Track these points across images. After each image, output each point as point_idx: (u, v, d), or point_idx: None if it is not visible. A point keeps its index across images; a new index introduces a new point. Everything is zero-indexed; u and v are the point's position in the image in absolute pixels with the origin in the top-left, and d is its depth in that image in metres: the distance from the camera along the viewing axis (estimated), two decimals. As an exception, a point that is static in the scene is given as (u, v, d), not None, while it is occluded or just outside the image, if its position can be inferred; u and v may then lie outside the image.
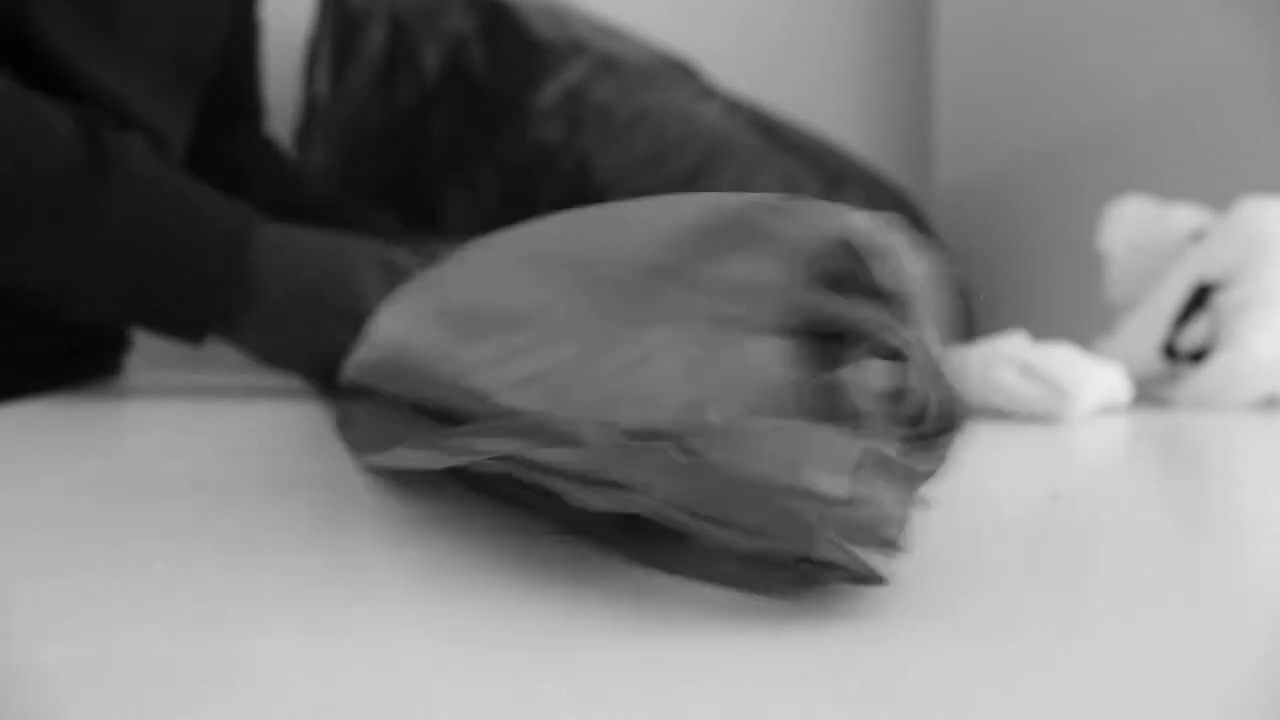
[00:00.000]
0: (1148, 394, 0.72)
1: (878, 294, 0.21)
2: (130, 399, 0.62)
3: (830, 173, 1.10)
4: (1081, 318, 0.94)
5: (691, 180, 1.03)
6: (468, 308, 0.30)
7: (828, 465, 0.19)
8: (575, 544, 0.27)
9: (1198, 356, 0.72)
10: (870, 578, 0.21)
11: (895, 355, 0.21)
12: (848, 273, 0.21)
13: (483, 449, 0.24)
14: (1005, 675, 0.19)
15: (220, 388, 0.67)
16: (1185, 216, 0.80)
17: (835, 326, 0.21)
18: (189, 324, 0.63)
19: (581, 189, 1.02)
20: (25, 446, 0.46)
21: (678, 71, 1.11)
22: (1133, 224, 0.82)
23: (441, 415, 0.38)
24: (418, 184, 1.04)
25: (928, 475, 0.21)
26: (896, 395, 0.21)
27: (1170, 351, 0.74)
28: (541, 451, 0.23)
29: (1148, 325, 0.75)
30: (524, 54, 1.04)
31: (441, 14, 1.06)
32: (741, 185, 1.04)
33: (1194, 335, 0.73)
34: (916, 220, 1.14)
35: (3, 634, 0.20)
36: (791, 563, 0.22)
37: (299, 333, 0.63)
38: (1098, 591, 0.25)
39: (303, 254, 0.64)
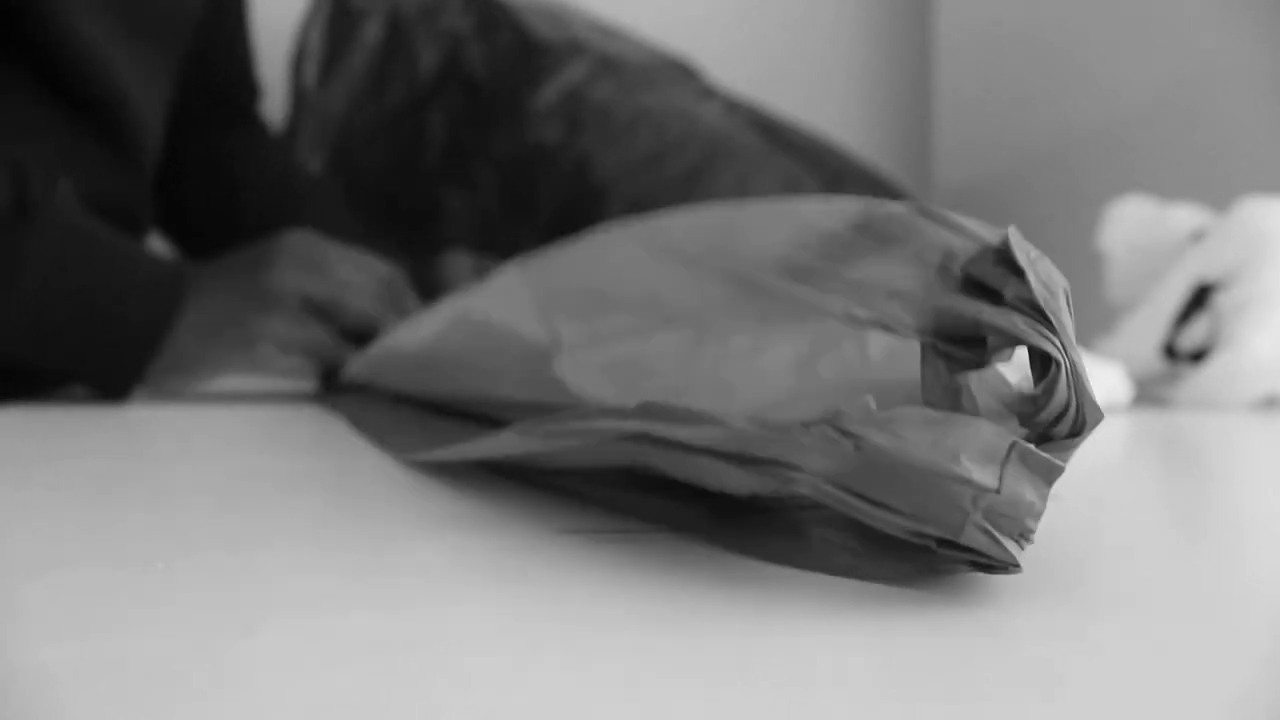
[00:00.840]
0: (1148, 394, 0.72)
1: (1021, 302, 0.22)
2: (130, 400, 0.62)
3: (830, 173, 1.09)
4: (1081, 318, 0.94)
5: (691, 180, 1.03)
6: (573, 290, 0.31)
7: (981, 455, 0.21)
8: (608, 539, 0.27)
9: (1198, 356, 0.72)
10: (1006, 565, 0.22)
11: (1043, 361, 0.22)
12: (988, 280, 0.23)
13: (607, 429, 0.25)
14: (1005, 675, 0.19)
15: (220, 389, 0.67)
16: (1185, 216, 0.80)
17: (975, 331, 0.22)
18: (111, 373, 0.61)
19: (581, 189, 1.02)
20: (26, 446, 0.46)
21: (678, 71, 1.11)
22: (1133, 224, 0.82)
23: (460, 410, 0.40)
24: (415, 184, 1.04)
25: (1060, 472, 0.22)
26: (1035, 398, 0.23)
27: (1170, 351, 0.74)
28: (685, 430, 0.23)
29: (1148, 325, 0.75)
30: (523, 54, 1.04)
31: (440, 13, 1.06)
32: (741, 185, 1.04)
33: (1194, 335, 0.73)
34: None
35: (2, 634, 0.20)
36: (914, 552, 0.23)
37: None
38: (1098, 591, 0.25)
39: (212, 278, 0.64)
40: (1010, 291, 0.23)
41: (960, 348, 0.23)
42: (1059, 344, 0.22)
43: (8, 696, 0.17)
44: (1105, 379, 0.63)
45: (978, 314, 0.22)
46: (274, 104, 1.09)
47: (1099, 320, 0.86)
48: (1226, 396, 0.69)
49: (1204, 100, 1.00)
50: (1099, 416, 0.23)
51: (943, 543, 0.22)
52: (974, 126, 1.31)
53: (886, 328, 0.23)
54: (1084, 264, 0.93)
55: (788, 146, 1.09)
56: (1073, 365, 0.22)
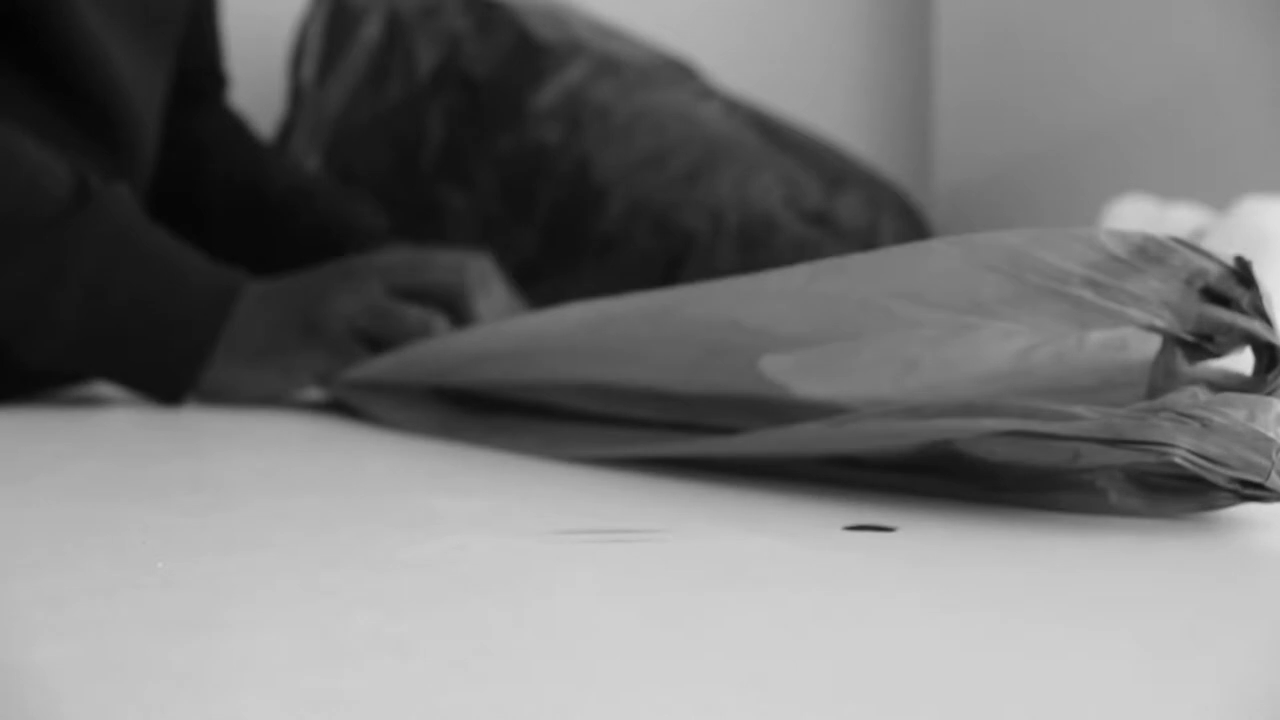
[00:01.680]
0: (1148, 394, 0.72)
1: (1256, 310, 0.30)
2: (130, 400, 0.62)
3: (830, 173, 1.09)
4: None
5: (691, 180, 1.03)
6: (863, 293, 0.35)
7: (1276, 422, 0.29)
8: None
9: (1198, 356, 0.72)
10: (1276, 497, 0.30)
11: (1267, 356, 0.30)
12: (1228, 292, 0.30)
13: (961, 426, 0.31)
14: (1005, 672, 0.19)
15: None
16: (1185, 216, 0.80)
17: (1222, 332, 0.30)
18: (163, 377, 0.59)
19: (581, 189, 1.02)
20: (25, 446, 0.46)
21: (678, 71, 1.11)
22: (1133, 224, 0.82)
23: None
24: (414, 183, 1.04)
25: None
26: (1258, 381, 0.30)
27: (1170, 351, 0.74)
28: (1059, 425, 0.30)
29: (1148, 325, 0.75)
30: (523, 54, 1.04)
31: (439, 13, 1.06)
32: (741, 185, 1.04)
33: (1194, 335, 0.73)
34: (916, 220, 1.14)
35: (2, 633, 0.20)
36: (1189, 495, 0.30)
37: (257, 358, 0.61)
38: (1097, 591, 0.25)
39: (281, 295, 0.62)
40: (1248, 302, 0.29)
41: (1200, 344, 0.30)
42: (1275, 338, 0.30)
43: (7, 696, 0.17)
44: None
45: (1232, 320, 0.29)
46: (273, 103, 1.09)
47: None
48: (1226, 396, 0.69)
49: (1204, 100, 1.00)
50: None
51: (1247, 485, 0.29)
52: (974, 126, 1.31)
53: (1154, 328, 0.30)
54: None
55: (788, 146, 1.09)
56: None
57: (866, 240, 1.07)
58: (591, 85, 1.04)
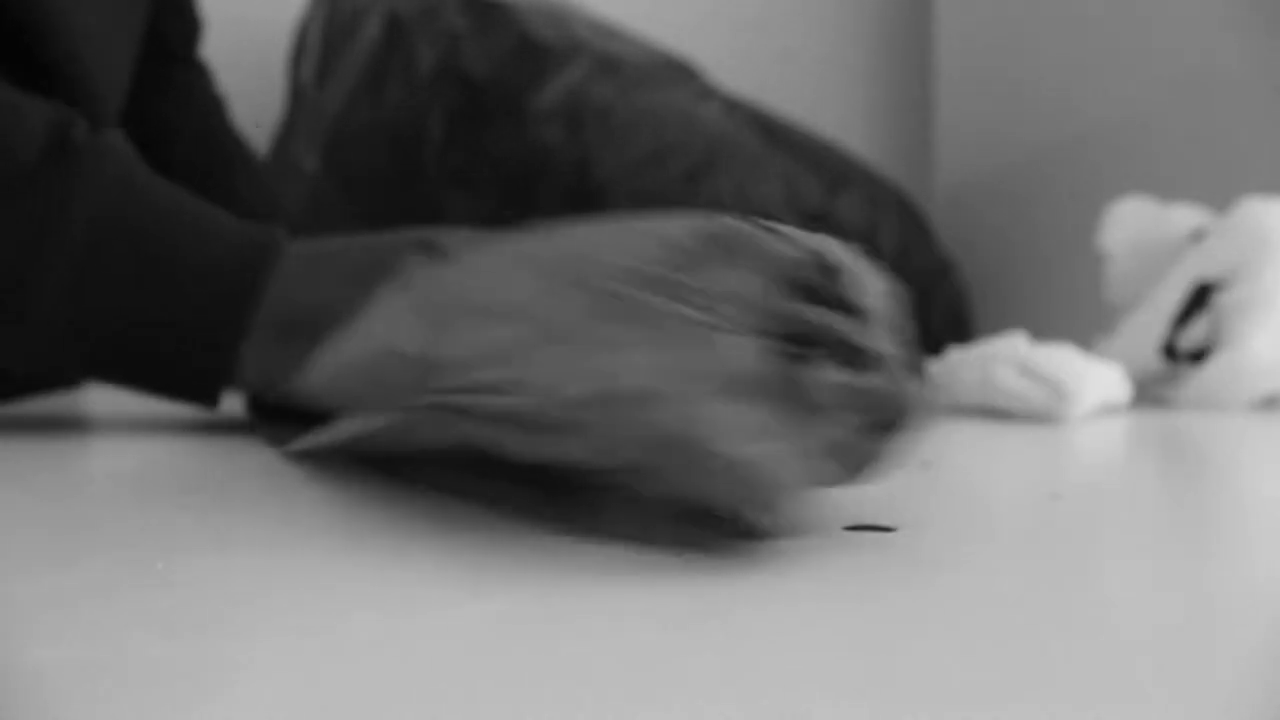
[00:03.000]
0: (1148, 394, 0.72)
1: (844, 306, 0.26)
2: (131, 399, 0.61)
3: (830, 173, 1.10)
4: (1081, 318, 0.94)
5: (691, 180, 1.03)
6: (455, 302, 0.32)
7: (761, 434, 0.24)
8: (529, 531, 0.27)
9: (1198, 356, 0.72)
10: (761, 532, 0.26)
11: (858, 357, 0.25)
12: (819, 287, 0.26)
13: (430, 401, 0.28)
14: (1005, 674, 0.19)
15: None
16: (1185, 216, 0.80)
17: (807, 331, 0.25)
18: (182, 373, 0.47)
19: (581, 189, 1.02)
20: (25, 446, 0.46)
21: (678, 71, 1.11)
22: (1133, 224, 0.82)
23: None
24: (413, 183, 1.04)
25: (879, 455, 0.26)
26: (857, 390, 0.25)
27: (1170, 351, 0.74)
28: (494, 400, 0.26)
29: (1148, 325, 0.75)
30: (523, 54, 1.04)
31: (439, 13, 1.06)
32: (741, 185, 1.04)
33: (1194, 335, 0.73)
34: (916, 221, 1.14)
35: (2, 634, 0.20)
36: (717, 521, 0.26)
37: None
38: (1097, 591, 0.25)
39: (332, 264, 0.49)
40: (829, 295, 0.25)
41: (797, 346, 0.25)
42: (867, 340, 0.25)
43: (7, 696, 0.17)
44: (1105, 379, 0.63)
45: (806, 315, 0.25)
46: (273, 103, 1.09)
47: (1099, 320, 0.86)
48: (1226, 396, 0.69)
49: (1204, 100, 1.00)
50: (921, 404, 0.26)
51: (717, 516, 0.26)
52: (974, 126, 1.32)
53: (728, 330, 0.25)
54: (1084, 264, 0.93)
55: (788, 146, 1.09)
56: (883, 358, 0.25)
57: (867, 240, 1.07)
58: (592, 85, 1.04)
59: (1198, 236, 0.77)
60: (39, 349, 0.46)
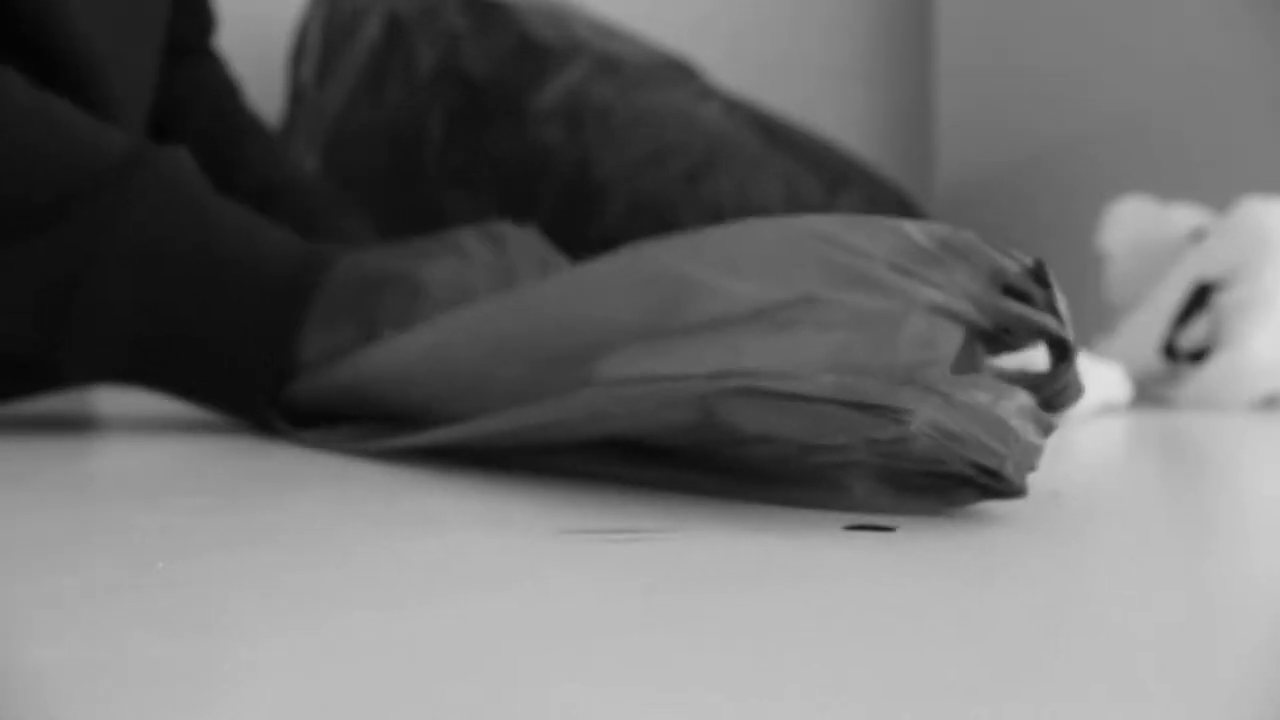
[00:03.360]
0: (1148, 394, 0.72)
1: (1050, 309, 0.31)
2: (130, 398, 0.61)
3: (830, 173, 1.10)
4: (1081, 318, 0.94)
5: (691, 180, 1.03)
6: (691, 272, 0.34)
7: (1018, 413, 0.30)
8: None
9: (1198, 356, 0.72)
10: (1018, 492, 0.31)
11: (1060, 348, 0.32)
12: (1029, 292, 0.31)
13: (700, 386, 0.31)
14: (1004, 673, 0.19)
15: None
16: (1185, 216, 0.80)
17: (1019, 326, 0.31)
18: (235, 386, 0.48)
19: (581, 189, 1.02)
20: (26, 445, 0.46)
21: (678, 71, 1.11)
22: (1133, 224, 0.82)
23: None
24: (414, 184, 1.04)
25: (1054, 429, 0.32)
26: (1046, 375, 0.32)
27: (1170, 351, 0.74)
28: (798, 383, 0.30)
29: (1148, 325, 0.75)
30: (523, 54, 1.04)
31: (439, 13, 1.06)
32: (741, 185, 1.04)
33: (1194, 335, 0.73)
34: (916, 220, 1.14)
35: (2, 634, 0.20)
36: (932, 494, 0.32)
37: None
38: (1097, 590, 0.25)
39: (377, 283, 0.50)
40: (1042, 299, 0.31)
41: (999, 336, 0.31)
42: (1070, 336, 0.32)
43: (6, 697, 0.17)
44: (1105, 379, 0.63)
45: (1024, 312, 0.31)
46: (272, 103, 1.09)
47: (1099, 320, 0.86)
48: (1226, 396, 0.69)
49: (1204, 101, 1.00)
50: (1083, 393, 0.33)
51: (983, 472, 0.31)
52: (974, 126, 1.32)
53: (954, 316, 0.30)
54: (1084, 264, 0.93)
55: (788, 146, 1.09)
56: (1076, 354, 0.32)
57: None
58: (591, 85, 1.04)
59: (1198, 236, 0.77)
60: (93, 355, 0.47)
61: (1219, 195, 0.82)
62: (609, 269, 0.36)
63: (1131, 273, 0.81)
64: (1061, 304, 0.31)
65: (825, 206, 1.07)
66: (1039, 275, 0.31)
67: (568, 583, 0.24)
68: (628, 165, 1.03)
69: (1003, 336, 0.31)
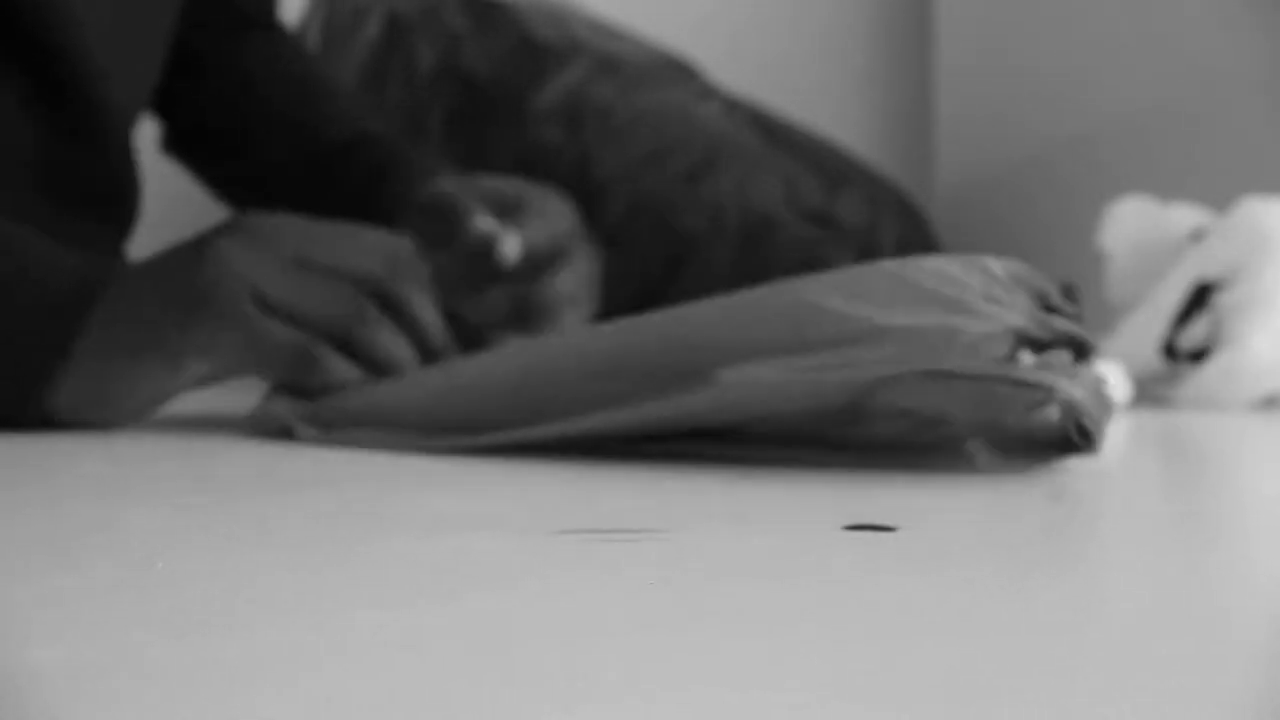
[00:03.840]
0: (1148, 394, 0.72)
1: (1076, 317, 0.39)
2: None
3: (830, 173, 1.10)
4: (1081, 317, 0.94)
5: (691, 180, 1.03)
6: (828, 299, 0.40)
7: (1089, 388, 0.38)
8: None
9: (1198, 356, 0.72)
10: (1095, 448, 0.38)
11: (1084, 349, 0.39)
12: (1061, 305, 0.39)
13: (884, 365, 0.38)
14: (1003, 673, 0.19)
15: (220, 387, 0.67)
16: (1185, 216, 0.80)
17: (1057, 335, 0.38)
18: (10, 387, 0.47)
19: (581, 189, 1.02)
20: (25, 445, 0.46)
21: (678, 71, 1.11)
22: (1133, 224, 0.82)
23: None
24: (416, 184, 1.04)
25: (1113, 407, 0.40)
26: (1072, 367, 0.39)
27: (1170, 351, 0.74)
28: (961, 362, 0.37)
29: (1148, 325, 0.75)
30: (523, 54, 1.04)
31: (439, 13, 1.06)
32: (741, 185, 1.04)
33: (1194, 335, 0.73)
34: (916, 220, 1.14)
35: (2, 633, 0.20)
36: (1022, 456, 0.40)
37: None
38: (1097, 590, 0.25)
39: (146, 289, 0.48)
40: (1073, 313, 0.39)
41: (1040, 344, 0.38)
42: (1089, 338, 0.39)
43: (6, 696, 0.17)
44: (1105, 379, 0.63)
45: (1066, 327, 0.39)
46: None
47: (1099, 320, 0.86)
48: (1226, 396, 0.69)
49: (1204, 100, 1.00)
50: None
51: (1082, 433, 0.38)
52: (974, 126, 1.32)
53: (1026, 333, 0.38)
54: (1084, 264, 0.93)
55: (788, 146, 1.09)
56: (1095, 351, 0.40)
57: (866, 240, 1.07)
58: (592, 85, 1.04)
59: (1198, 236, 0.77)
60: None
61: (1219, 195, 0.82)
62: (738, 300, 0.41)
63: (1131, 272, 0.81)
64: (1083, 315, 0.40)
65: (825, 206, 1.07)
66: (1069, 294, 0.40)
67: (568, 583, 0.24)
68: (628, 165, 1.03)
69: (1049, 345, 0.39)
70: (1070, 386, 0.37)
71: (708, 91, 1.11)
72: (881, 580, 0.25)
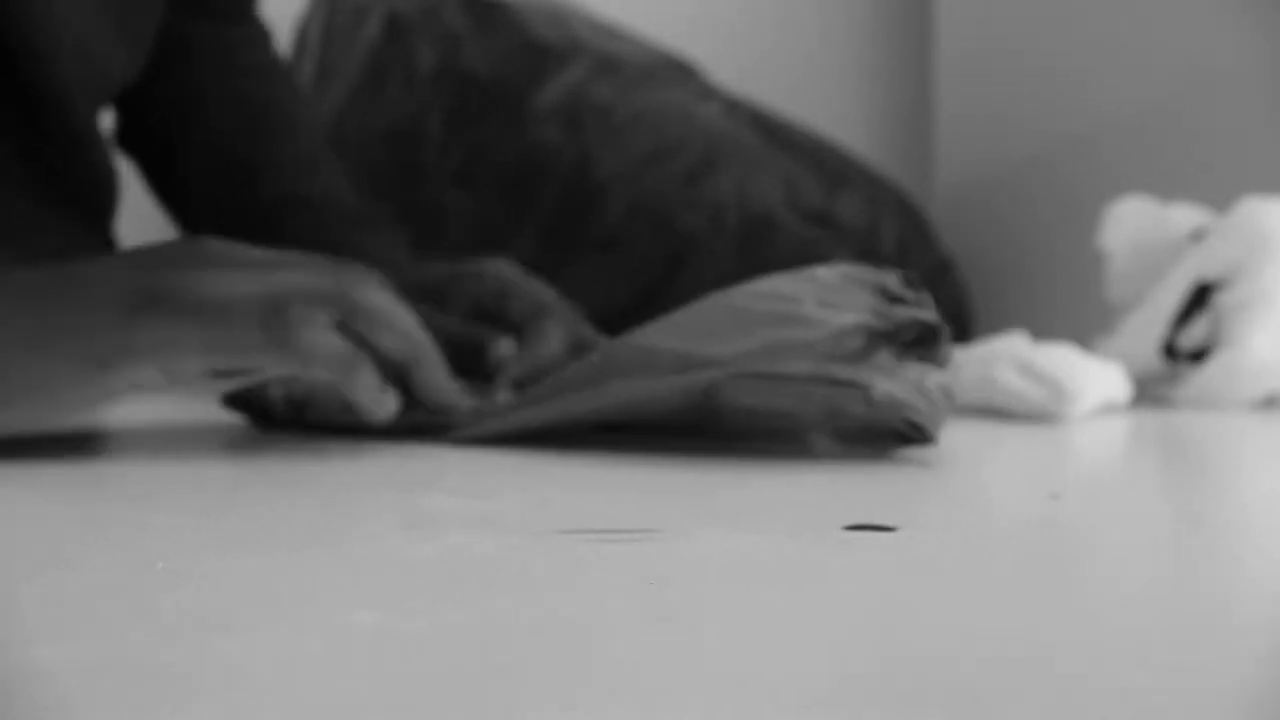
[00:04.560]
0: (1148, 394, 0.72)
1: (922, 305, 0.42)
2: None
3: (830, 173, 1.10)
4: (1081, 318, 0.94)
5: (692, 180, 1.03)
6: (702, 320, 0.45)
7: (936, 386, 0.42)
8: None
9: (1198, 356, 0.72)
10: (931, 439, 0.42)
11: (933, 334, 0.42)
12: (905, 295, 0.42)
13: (730, 369, 0.42)
14: (1003, 673, 0.19)
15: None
16: (1185, 216, 0.80)
17: (900, 324, 0.41)
18: None
19: (581, 189, 1.02)
20: (25, 445, 0.46)
21: (678, 71, 1.11)
22: (1133, 224, 0.82)
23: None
24: (413, 184, 1.04)
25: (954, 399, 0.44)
26: (928, 354, 0.42)
27: (1170, 351, 0.74)
28: (794, 366, 0.41)
29: (1148, 325, 0.75)
30: (523, 54, 1.04)
31: (439, 13, 1.06)
32: (741, 185, 1.04)
33: (1194, 335, 0.73)
34: (916, 220, 1.14)
35: (3, 633, 0.20)
36: (884, 440, 0.42)
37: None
38: (1097, 591, 0.25)
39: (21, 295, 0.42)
40: (918, 300, 0.42)
41: (896, 332, 0.41)
42: (939, 320, 0.42)
43: (8, 696, 0.17)
44: (1105, 379, 0.63)
45: (907, 313, 0.41)
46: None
47: (1099, 320, 0.86)
48: (1226, 396, 0.69)
49: (1204, 100, 1.00)
50: (951, 358, 0.43)
51: (912, 426, 0.41)
52: (974, 126, 1.32)
53: (867, 328, 0.41)
54: (1084, 264, 0.93)
55: (788, 146, 1.09)
56: (946, 332, 0.42)
57: (866, 240, 1.07)
58: (592, 85, 1.04)
59: (1198, 236, 0.77)
60: None
61: (1219, 195, 0.82)
62: (629, 342, 0.45)
63: (1131, 273, 0.81)
64: (931, 303, 0.42)
65: (825, 206, 1.07)
66: (910, 283, 0.42)
67: (568, 583, 0.24)
68: (628, 165, 1.03)
69: (899, 332, 0.41)
70: (887, 383, 0.41)
71: (708, 91, 1.11)
72: (881, 580, 0.25)
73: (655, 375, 0.44)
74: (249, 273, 0.42)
